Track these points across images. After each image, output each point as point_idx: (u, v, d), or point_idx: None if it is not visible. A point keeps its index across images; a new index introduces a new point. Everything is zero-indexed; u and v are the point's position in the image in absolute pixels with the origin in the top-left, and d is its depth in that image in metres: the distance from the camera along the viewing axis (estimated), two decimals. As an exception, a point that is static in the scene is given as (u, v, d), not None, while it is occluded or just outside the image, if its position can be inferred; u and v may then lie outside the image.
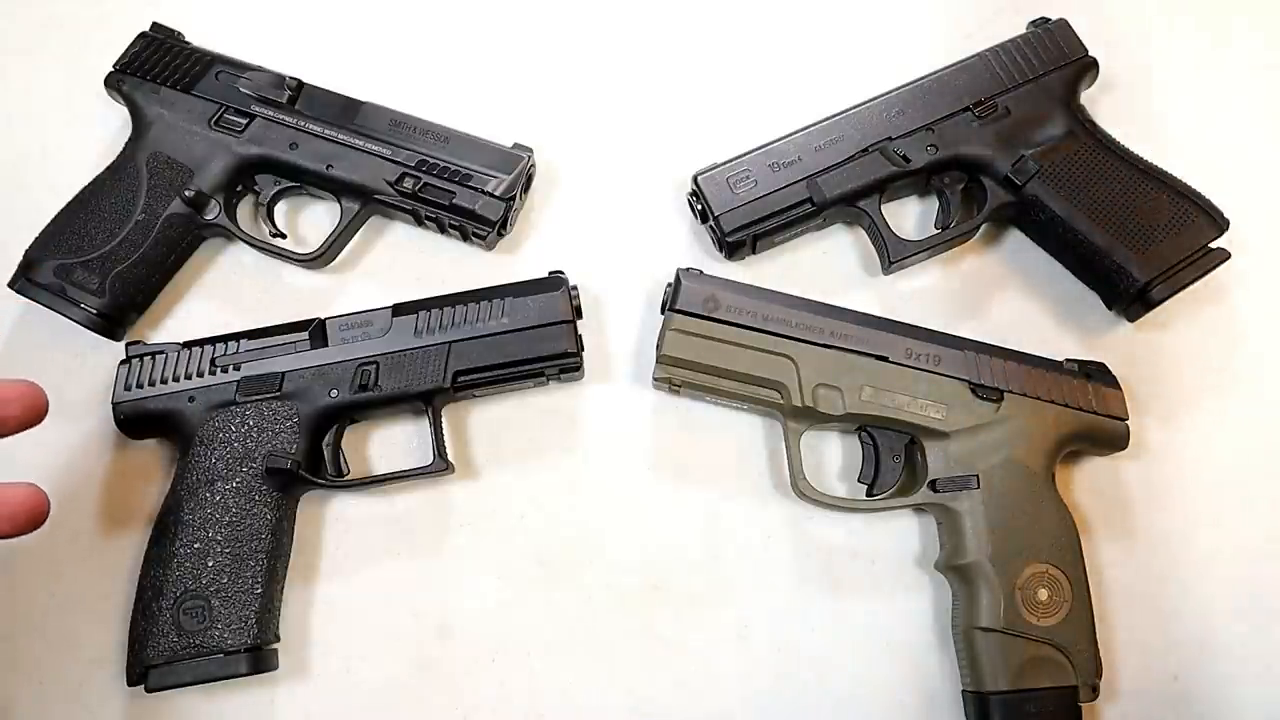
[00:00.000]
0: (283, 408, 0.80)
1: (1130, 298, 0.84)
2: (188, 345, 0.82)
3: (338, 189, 0.88)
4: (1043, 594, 0.76)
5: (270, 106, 0.88)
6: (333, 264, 0.91)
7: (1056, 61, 0.88)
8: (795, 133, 0.87)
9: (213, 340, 0.82)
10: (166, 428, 0.81)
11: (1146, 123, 0.94)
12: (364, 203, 0.88)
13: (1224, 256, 0.82)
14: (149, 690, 0.74)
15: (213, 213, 0.87)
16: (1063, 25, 0.90)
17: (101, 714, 0.79)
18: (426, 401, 0.82)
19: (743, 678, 0.81)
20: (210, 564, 0.75)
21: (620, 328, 0.90)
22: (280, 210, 0.93)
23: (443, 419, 0.83)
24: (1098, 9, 0.97)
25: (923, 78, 0.89)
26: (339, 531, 0.84)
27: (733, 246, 0.87)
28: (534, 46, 0.99)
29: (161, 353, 0.82)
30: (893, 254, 0.86)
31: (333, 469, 0.82)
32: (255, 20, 0.99)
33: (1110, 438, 0.82)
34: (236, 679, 0.75)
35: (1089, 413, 0.81)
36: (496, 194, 0.86)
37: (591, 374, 0.87)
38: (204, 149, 0.87)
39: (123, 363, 0.82)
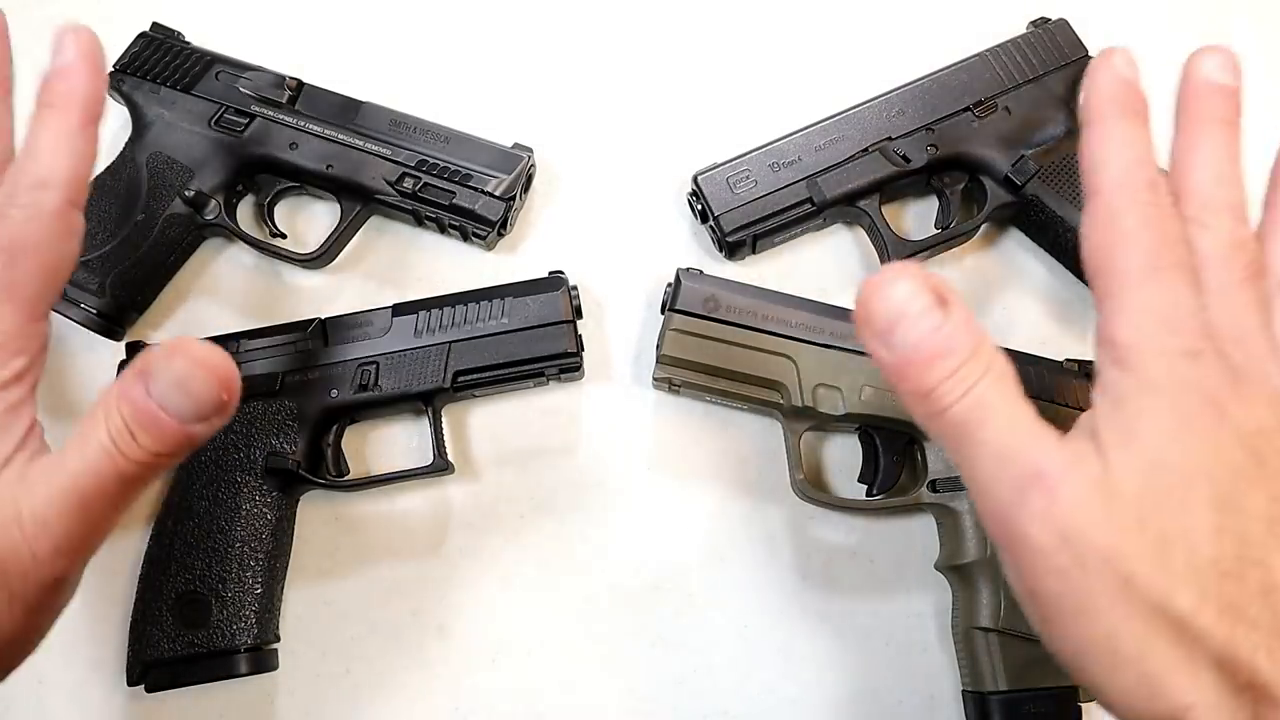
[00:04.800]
0: (283, 408, 0.80)
1: (1130, 298, 0.84)
2: (188, 345, 0.82)
3: (338, 189, 0.88)
4: (1043, 594, 0.76)
5: (270, 106, 0.88)
6: (333, 264, 0.91)
7: (1056, 61, 0.89)
8: (795, 133, 0.87)
9: (213, 340, 0.82)
10: (166, 428, 0.81)
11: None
12: (364, 203, 0.88)
13: (1224, 256, 0.82)
14: (149, 690, 0.74)
15: (213, 213, 0.87)
16: (1063, 25, 0.90)
17: (101, 714, 0.80)
18: (426, 401, 0.82)
19: (743, 677, 0.81)
20: (210, 564, 0.75)
21: (620, 328, 0.90)
22: (280, 210, 0.93)
23: (443, 419, 0.84)
24: (1098, 9, 0.97)
25: (923, 78, 0.89)
26: (339, 531, 0.84)
27: (733, 246, 0.87)
28: (534, 47, 0.99)
29: (161, 353, 0.82)
30: (893, 254, 0.87)
31: (333, 469, 0.82)
32: (255, 20, 0.99)
33: (1110, 438, 0.81)
34: (236, 679, 0.75)
35: (1089, 412, 0.81)
36: (496, 194, 0.86)
37: (591, 374, 0.87)
38: (204, 149, 0.87)
39: (123, 363, 0.82)
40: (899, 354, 0.45)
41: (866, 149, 0.86)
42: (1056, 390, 0.80)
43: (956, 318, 0.45)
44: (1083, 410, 0.81)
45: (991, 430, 0.45)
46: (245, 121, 0.87)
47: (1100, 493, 0.43)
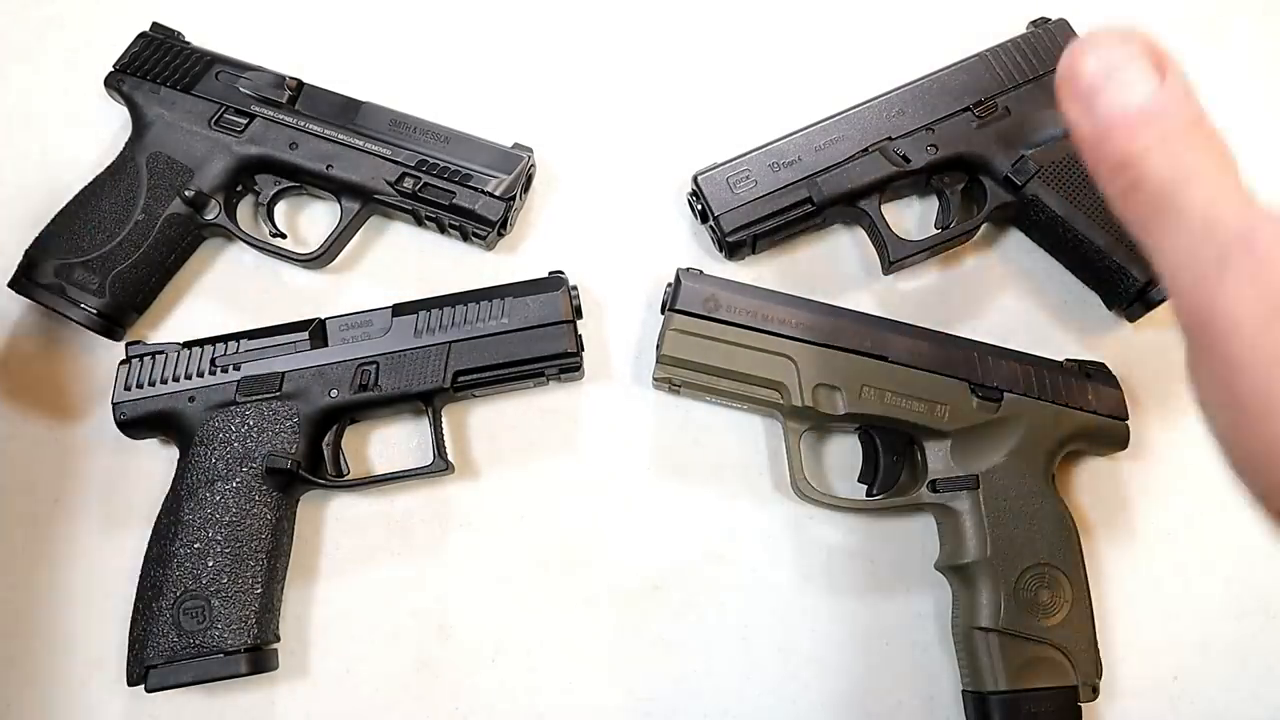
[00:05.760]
0: (283, 408, 0.80)
1: (1130, 298, 0.84)
2: (188, 345, 0.82)
3: (338, 189, 0.88)
4: (1043, 594, 0.76)
5: (270, 106, 0.88)
6: (333, 264, 0.91)
7: (1056, 61, 0.88)
8: (795, 133, 0.87)
9: (213, 340, 0.82)
10: (166, 428, 0.81)
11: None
12: (364, 203, 0.88)
13: (1224, 256, 0.82)
14: (149, 690, 0.74)
15: (213, 213, 0.87)
16: (1063, 25, 0.90)
17: (101, 714, 0.80)
18: (426, 401, 0.82)
19: (743, 677, 0.81)
20: (210, 564, 0.75)
21: (620, 328, 0.90)
22: (280, 210, 0.93)
23: (443, 419, 0.84)
24: (1098, 9, 0.97)
25: (923, 78, 0.89)
26: (339, 531, 0.84)
27: (733, 246, 0.87)
28: (534, 46, 0.99)
29: (161, 353, 0.82)
30: (893, 254, 0.86)
31: (333, 469, 0.82)
32: (255, 20, 0.99)
33: (1110, 438, 0.82)
34: (236, 679, 0.75)
35: (1089, 413, 0.81)
36: (496, 194, 0.86)
37: (591, 374, 0.87)
38: (204, 149, 0.87)
39: (123, 363, 0.82)
40: (1102, 118, 0.41)
41: (866, 149, 0.86)
42: (1056, 391, 0.80)
43: (1174, 85, 0.39)
44: (1083, 410, 0.82)
45: (1195, 193, 0.39)
46: (245, 121, 0.87)
47: None
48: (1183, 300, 0.40)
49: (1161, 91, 0.40)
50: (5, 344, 0.88)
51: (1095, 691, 0.75)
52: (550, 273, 0.84)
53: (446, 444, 0.83)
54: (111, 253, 0.83)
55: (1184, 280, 0.39)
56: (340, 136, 0.87)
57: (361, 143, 0.87)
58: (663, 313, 0.83)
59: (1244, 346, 0.36)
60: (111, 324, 0.84)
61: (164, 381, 0.80)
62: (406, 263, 0.92)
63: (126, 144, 0.88)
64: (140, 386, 0.80)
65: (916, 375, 0.80)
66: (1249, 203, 0.39)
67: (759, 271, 0.91)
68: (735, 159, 0.87)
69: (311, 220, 0.94)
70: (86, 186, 0.86)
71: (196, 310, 0.90)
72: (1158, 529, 0.85)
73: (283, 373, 0.80)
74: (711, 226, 0.87)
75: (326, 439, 0.82)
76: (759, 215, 0.85)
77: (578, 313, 0.83)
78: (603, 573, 0.83)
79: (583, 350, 0.83)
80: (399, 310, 0.82)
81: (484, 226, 0.86)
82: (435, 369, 0.80)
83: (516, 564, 0.84)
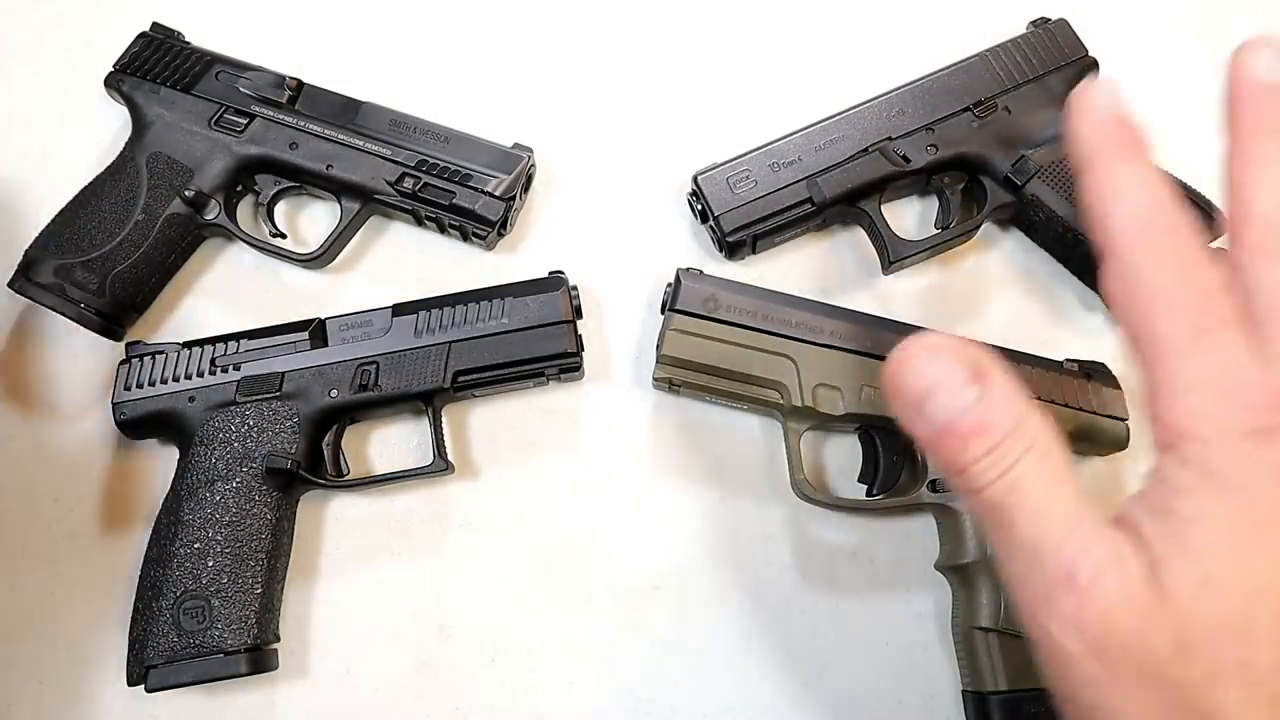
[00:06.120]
0: (283, 408, 0.80)
1: (1130, 298, 0.84)
2: (188, 345, 0.82)
3: (338, 189, 0.88)
4: (1043, 594, 0.76)
5: (270, 106, 0.88)
6: (333, 264, 0.91)
7: (1056, 61, 0.89)
8: (795, 133, 0.87)
9: (213, 340, 0.82)
10: (166, 428, 0.81)
11: (1146, 123, 0.94)
12: (364, 203, 0.88)
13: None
14: (149, 690, 0.74)
15: (213, 213, 0.87)
16: (1063, 25, 0.90)
17: (101, 714, 0.80)
18: (426, 401, 0.82)
19: (742, 677, 0.81)
20: (210, 564, 0.75)
21: (620, 328, 0.90)
22: (280, 210, 0.93)
23: (443, 419, 0.84)
24: (1098, 9, 0.97)
25: (923, 78, 0.89)
26: (339, 531, 0.84)
27: (733, 246, 0.87)
28: (534, 46, 0.99)
29: (161, 353, 0.82)
30: (893, 254, 0.87)
31: (333, 469, 0.82)
32: (255, 20, 0.99)
33: (1111, 438, 0.82)
34: (236, 679, 0.75)
35: (1089, 413, 0.81)
36: (496, 194, 0.86)
37: (591, 374, 0.87)
38: (204, 149, 0.87)
39: (123, 363, 0.82)
40: (933, 428, 0.41)
41: (866, 149, 0.86)
42: (1056, 391, 0.80)
43: (996, 392, 0.41)
44: (1083, 410, 0.82)
45: (1024, 521, 0.40)
46: (245, 121, 0.87)
47: (1140, 605, 0.36)
48: (1021, 613, 0.42)
49: (982, 403, 0.41)
50: (5, 344, 0.88)
51: (1095, 691, 0.75)
52: (550, 273, 0.84)
53: (446, 444, 0.83)
54: (111, 253, 0.83)
55: (1020, 597, 0.41)
56: (340, 136, 0.87)
57: (361, 143, 0.87)
58: (663, 313, 0.83)
59: (1074, 676, 0.38)
60: (111, 324, 0.84)
61: (164, 381, 0.80)
62: (406, 263, 0.92)
63: (126, 144, 0.88)
64: (140, 386, 0.80)
65: (916, 375, 0.80)
66: (1076, 525, 0.39)
67: (759, 271, 0.91)
68: (735, 159, 0.87)
69: (311, 220, 0.94)
70: (86, 186, 0.86)
71: (196, 310, 0.90)
72: (1158, 529, 0.85)
73: (283, 373, 0.80)
74: (711, 226, 0.87)
75: (326, 439, 0.82)
76: (759, 215, 0.85)
77: (578, 313, 0.83)
78: (603, 573, 0.83)
79: (583, 350, 0.83)
80: (399, 310, 0.82)
81: (484, 226, 0.86)
82: (435, 369, 0.80)
83: (516, 564, 0.84)
